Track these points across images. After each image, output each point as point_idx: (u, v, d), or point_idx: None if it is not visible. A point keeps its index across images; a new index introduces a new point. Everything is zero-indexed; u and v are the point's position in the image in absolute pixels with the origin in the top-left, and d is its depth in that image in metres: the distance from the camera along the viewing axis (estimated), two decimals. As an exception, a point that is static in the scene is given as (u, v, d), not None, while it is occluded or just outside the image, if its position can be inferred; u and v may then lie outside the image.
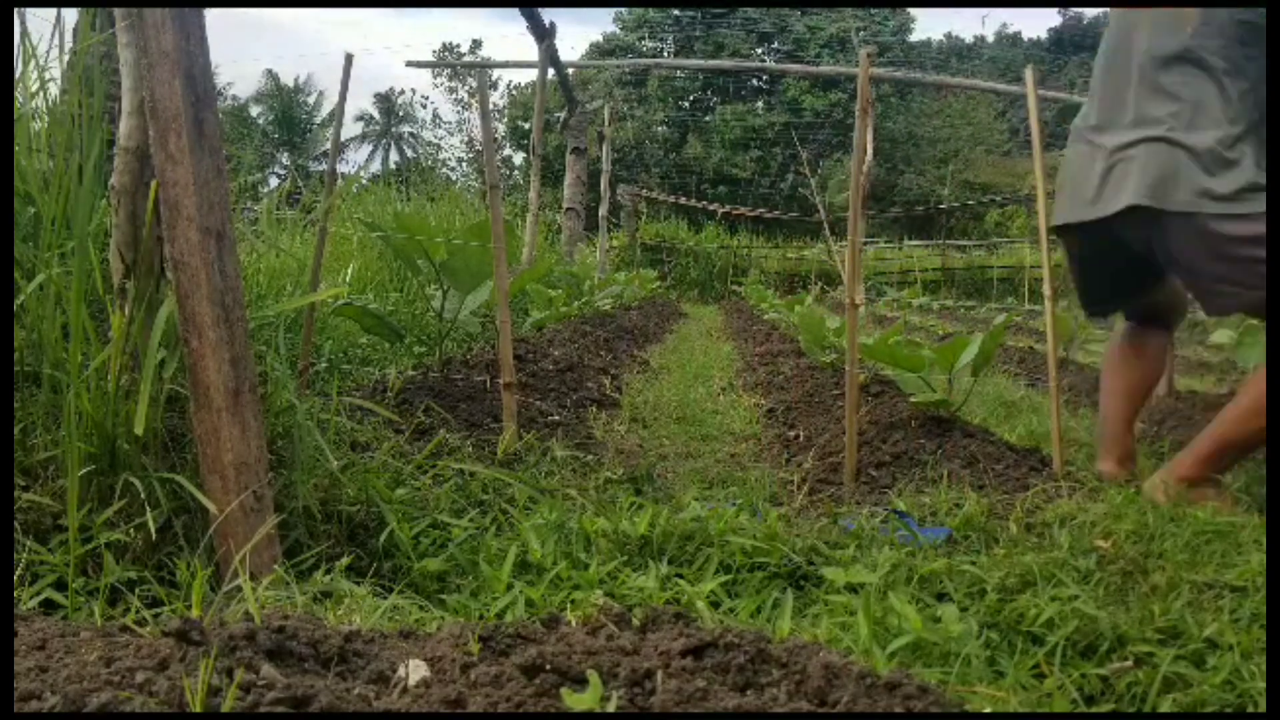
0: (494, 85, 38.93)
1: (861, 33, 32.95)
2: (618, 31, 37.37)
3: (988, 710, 1.43)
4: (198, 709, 1.05)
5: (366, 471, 2.23)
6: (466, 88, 43.73)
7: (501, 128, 37.81)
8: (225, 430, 1.77)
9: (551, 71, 10.11)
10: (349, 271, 5.53)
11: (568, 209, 13.07)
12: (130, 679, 1.11)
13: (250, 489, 1.79)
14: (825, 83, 31.88)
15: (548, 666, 1.19)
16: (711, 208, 24.42)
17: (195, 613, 1.54)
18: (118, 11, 1.87)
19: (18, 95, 2.26)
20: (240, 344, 1.80)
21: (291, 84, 45.62)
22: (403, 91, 51.09)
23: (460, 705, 1.09)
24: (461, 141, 45.80)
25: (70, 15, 2.30)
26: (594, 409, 4.28)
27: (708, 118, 36.10)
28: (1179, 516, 2.17)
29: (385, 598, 1.78)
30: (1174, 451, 3.37)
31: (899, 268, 22.74)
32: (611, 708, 1.09)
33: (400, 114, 51.08)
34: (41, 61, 2.25)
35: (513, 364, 3.21)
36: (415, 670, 1.18)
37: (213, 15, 1.85)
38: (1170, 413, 4.26)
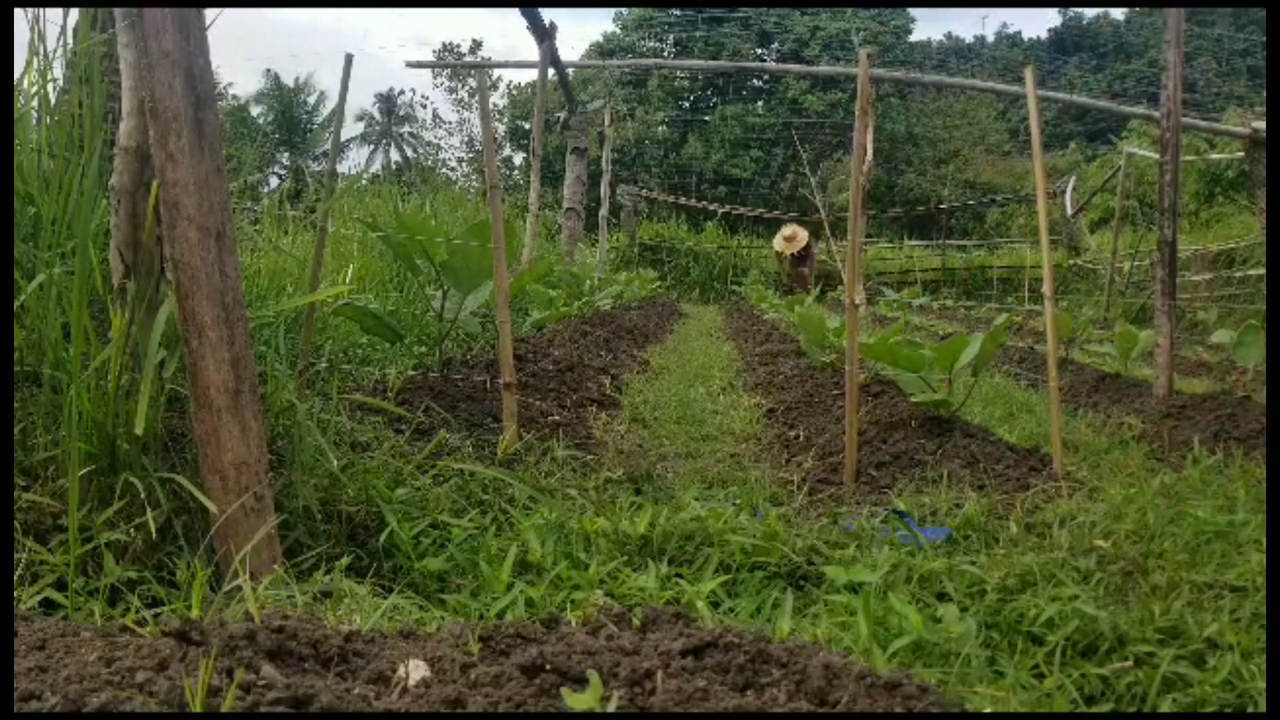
0: (494, 85, 38.93)
1: (861, 33, 32.94)
2: (618, 31, 37.37)
3: (988, 710, 1.43)
4: (198, 709, 1.05)
5: (366, 471, 2.23)
6: (466, 88, 43.74)
7: (501, 128, 37.80)
8: (225, 430, 1.77)
9: (551, 71, 10.11)
10: (349, 271, 5.52)
11: (568, 209, 13.07)
12: (130, 679, 1.11)
13: (250, 489, 1.78)
14: (825, 83, 31.87)
15: (548, 666, 1.19)
16: (711, 208, 24.40)
17: (195, 613, 1.54)
18: (118, 12, 1.87)
19: (18, 95, 2.26)
20: (240, 344, 1.80)
21: (292, 84, 45.62)
22: (403, 91, 51.11)
23: (460, 705, 1.09)
24: (461, 141, 45.81)
25: (70, 15, 2.30)
26: (594, 409, 4.28)
27: (707, 118, 36.09)
28: (1179, 516, 2.17)
29: (385, 598, 1.78)
30: (1174, 451, 3.37)
31: (899, 268, 22.73)
32: (611, 708, 1.09)
33: (400, 114, 51.09)
34: (44, 62, 2.25)
35: (513, 364, 3.21)
36: (415, 670, 1.18)
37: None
38: (1169, 413, 4.26)
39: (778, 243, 17.10)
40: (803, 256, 16.85)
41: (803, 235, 16.69)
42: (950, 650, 1.60)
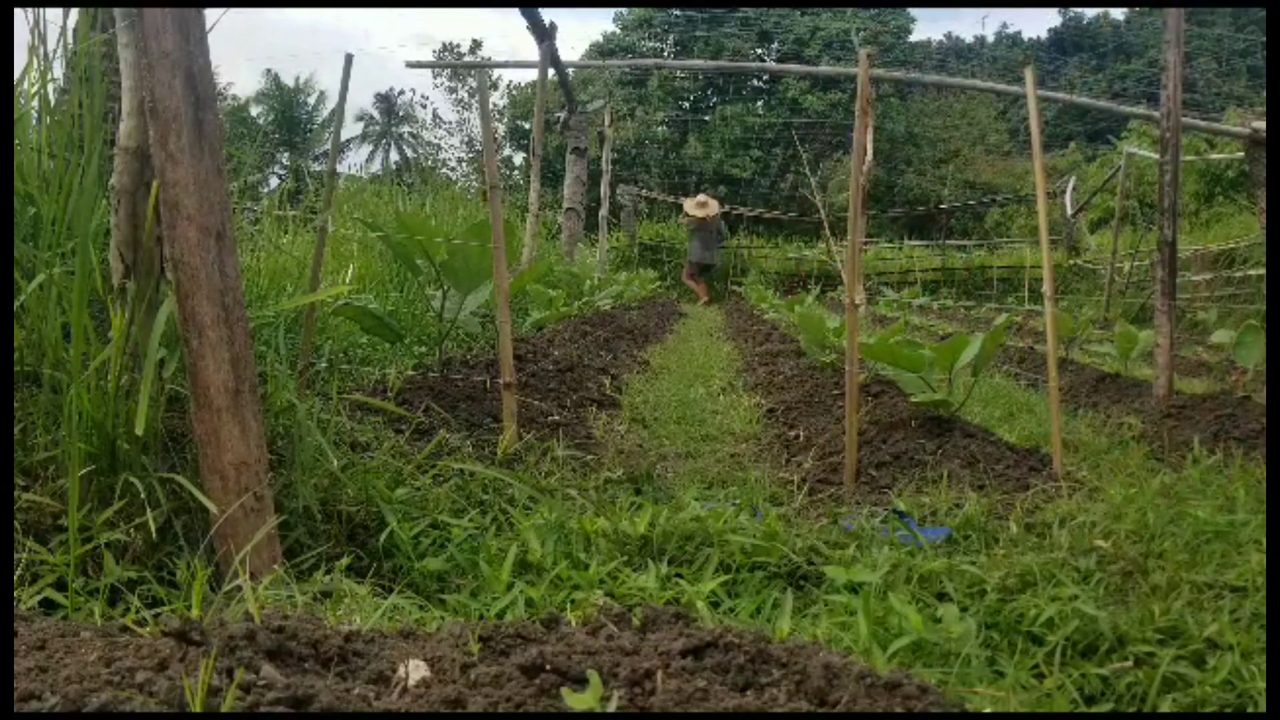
0: (494, 85, 38.91)
1: (861, 33, 32.95)
2: (618, 31, 37.37)
3: (988, 710, 1.43)
4: (198, 709, 1.05)
5: (366, 471, 2.23)
6: (466, 88, 43.74)
7: (501, 128, 37.78)
8: (225, 430, 1.77)
9: (551, 71, 10.10)
10: (349, 271, 5.53)
11: (568, 209, 13.07)
12: (130, 679, 1.11)
13: (250, 489, 1.78)
14: (825, 83, 31.88)
15: (548, 666, 1.19)
16: (711, 208, 24.38)
17: (195, 613, 1.54)
18: (118, 12, 1.87)
19: (18, 96, 2.26)
20: (240, 344, 1.80)
21: (292, 84, 45.64)
22: (403, 91, 51.12)
23: (460, 705, 1.09)
24: (461, 141, 45.81)
25: (70, 15, 2.30)
26: (594, 409, 4.28)
27: (707, 118, 36.09)
28: (1179, 516, 2.17)
29: (385, 598, 1.78)
30: (1174, 451, 3.37)
31: (899, 268, 22.72)
32: (611, 708, 1.09)
33: (400, 114, 51.09)
34: (45, 62, 2.25)
35: (513, 364, 3.21)
36: (415, 670, 1.18)
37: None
38: (1169, 413, 4.25)
39: (689, 205, 17.07)
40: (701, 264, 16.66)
41: (714, 207, 16.76)
42: (950, 650, 1.60)
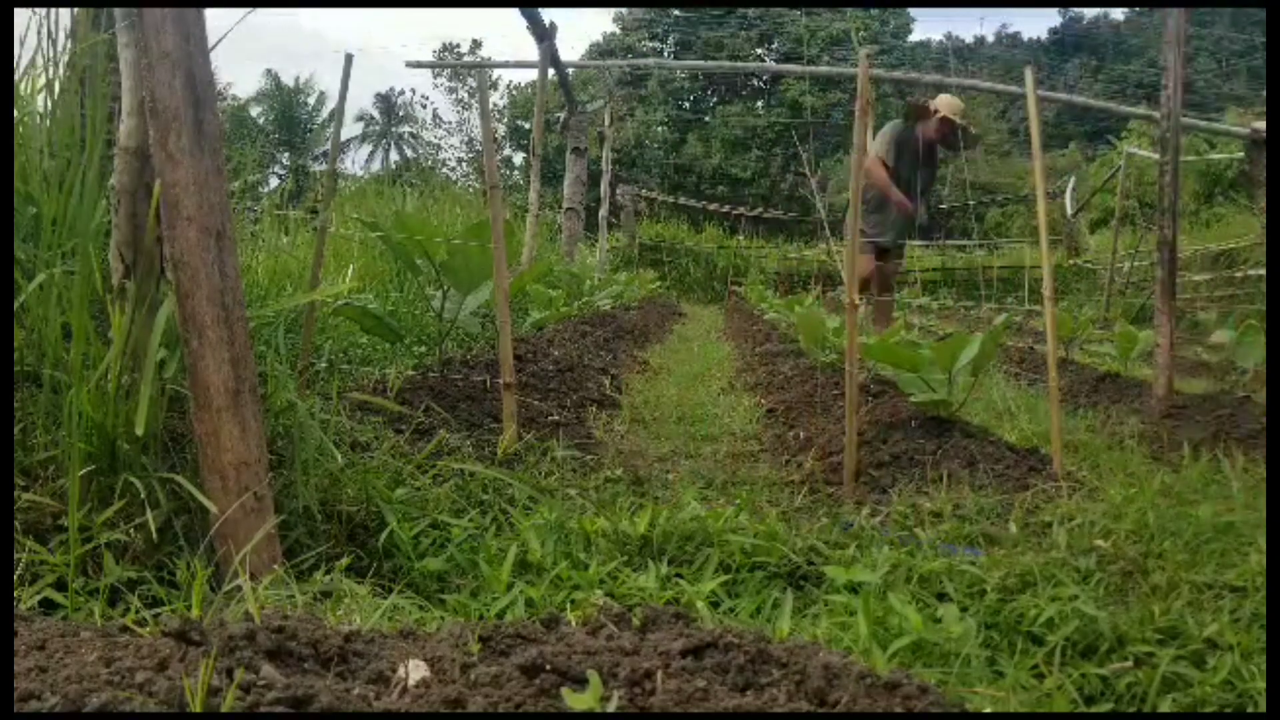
0: (494, 85, 38.91)
1: (861, 33, 32.97)
2: (617, 32, 37.38)
3: (988, 710, 1.43)
4: (198, 709, 1.05)
5: (366, 471, 2.23)
6: (466, 88, 43.76)
7: (501, 128, 37.80)
8: (225, 430, 1.77)
9: (551, 71, 10.10)
10: (349, 271, 5.52)
11: (568, 209, 13.06)
12: (130, 679, 1.11)
13: (250, 489, 1.78)
14: (825, 83, 31.90)
15: (548, 666, 1.19)
16: (711, 208, 24.39)
17: (195, 613, 1.54)
18: (118, 11, 1.87)
19: (20, 95, 2.26)
20: (240, 344, 1.80)
21: (291, 84, 45.67)
22: (403, 91, 51.17)
23: (460, 705, 1.09)
24: (461, 141, 45.84)
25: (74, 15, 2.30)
26: (594, 409, 4.28)
27: (708, 118, 36.10)
28: (1179, 516, 2.17)
29: (385, 598, 1.78)
30: (1173, 450, 3.37)
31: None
32: (611, 708, 1.09)
33: (400, 114, 51.12)
34: (50, 62, 2.25)
35: (513, 364, 3.21)
36: (415, 670, 1.18)
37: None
38: (1169, 413, 4.25)
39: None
40: None
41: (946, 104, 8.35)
42: (950, 650, 1.60)
